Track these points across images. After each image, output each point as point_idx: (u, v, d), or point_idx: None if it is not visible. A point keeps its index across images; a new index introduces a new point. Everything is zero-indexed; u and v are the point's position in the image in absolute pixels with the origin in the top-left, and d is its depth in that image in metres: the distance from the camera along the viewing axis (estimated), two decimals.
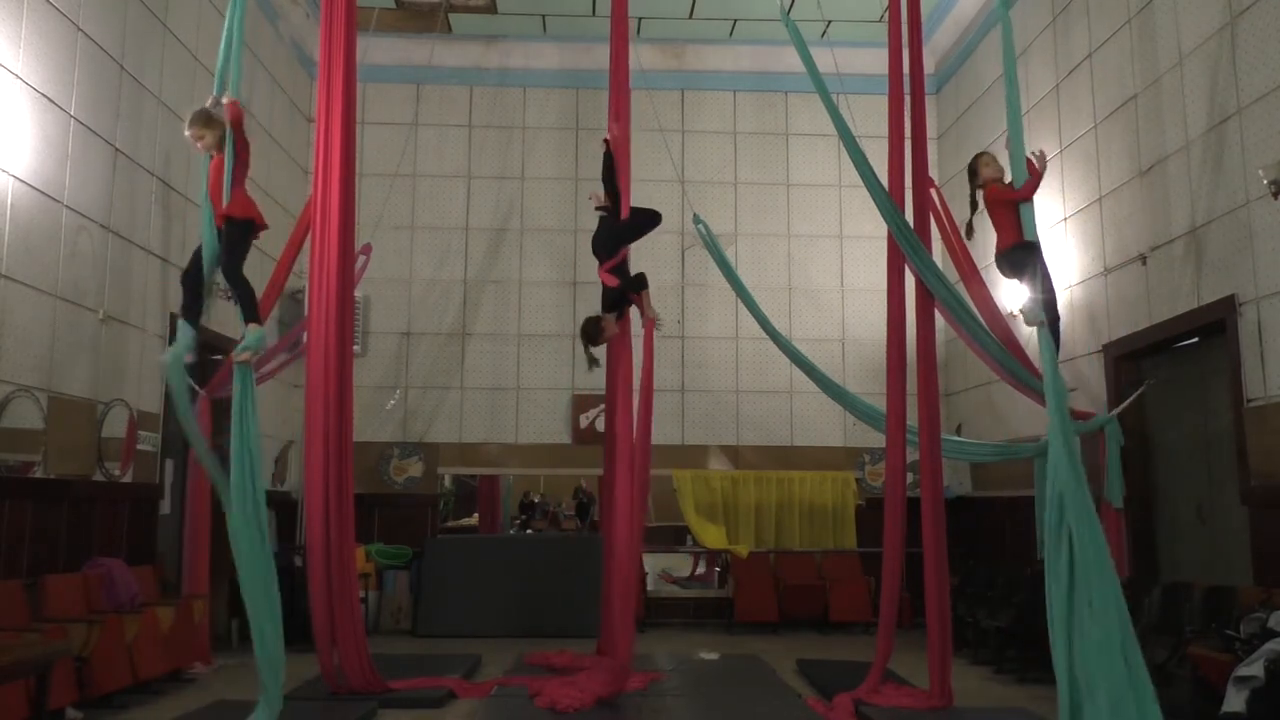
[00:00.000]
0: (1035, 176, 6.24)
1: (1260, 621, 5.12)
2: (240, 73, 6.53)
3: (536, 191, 11.21)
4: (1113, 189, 7.83)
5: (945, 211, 7.70)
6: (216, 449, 7.92)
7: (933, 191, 6.93)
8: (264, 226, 6.51)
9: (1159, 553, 7.40)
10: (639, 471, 6.89)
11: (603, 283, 7.36)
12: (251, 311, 6.23)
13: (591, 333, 7.36)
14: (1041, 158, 6.38)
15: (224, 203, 6.22)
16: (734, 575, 10.18)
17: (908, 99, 6.81)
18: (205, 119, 6.34)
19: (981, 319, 6.56)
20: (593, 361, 7.44)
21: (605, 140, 7.64)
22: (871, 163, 6.72)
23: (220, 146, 6.29)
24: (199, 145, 6.40)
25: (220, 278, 6.60)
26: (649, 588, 10.49)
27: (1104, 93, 7.98)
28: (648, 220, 7.51)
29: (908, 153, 6.79)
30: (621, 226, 7.36)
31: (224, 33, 6.50)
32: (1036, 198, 6.31)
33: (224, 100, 6.32)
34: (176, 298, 7.96)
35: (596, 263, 7.47)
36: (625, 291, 7.30)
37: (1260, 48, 6.12)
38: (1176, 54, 6.99)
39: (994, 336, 6.52)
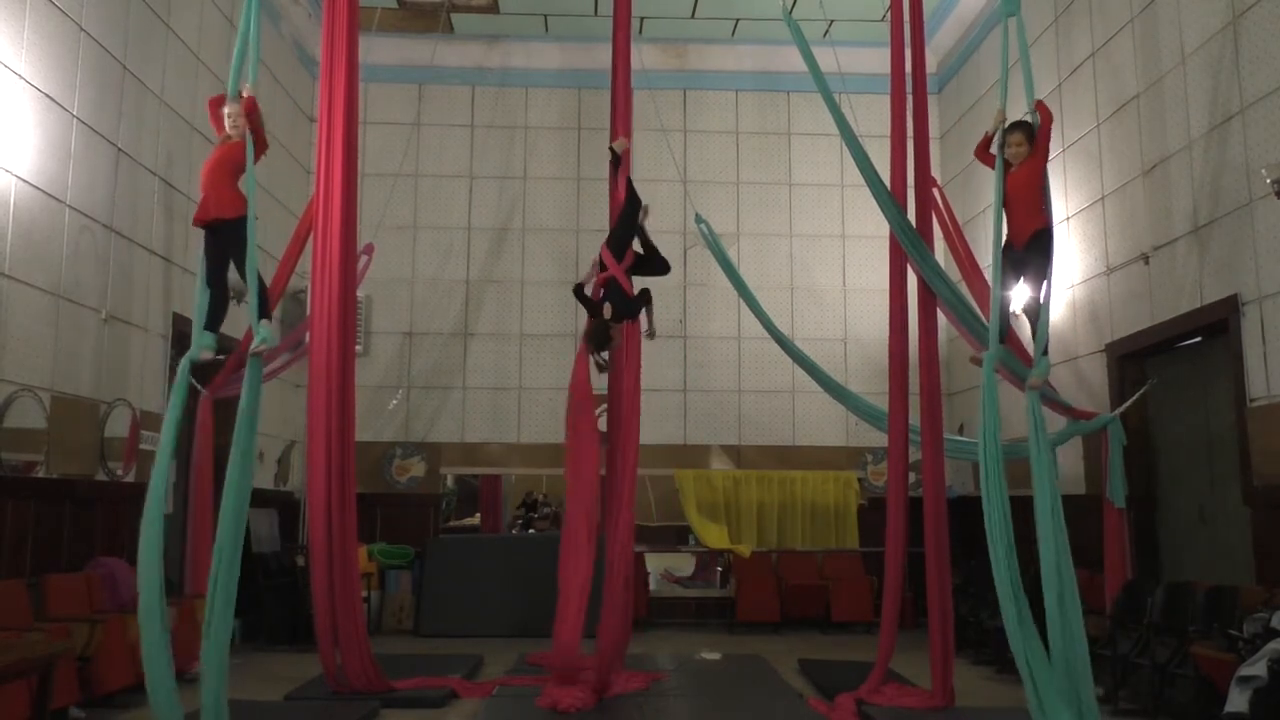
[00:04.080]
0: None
1: (1263, 621, 5.11)
2: (255, 69, 6.12)
3: (538, 191, 11.22)
4: (1115, 188, 7.82)
5: (948, 210, 7.71)
6: (218, 449, 7.93)
7: (935, 191, 6.92)
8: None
9: (1161, 552, 7.39)
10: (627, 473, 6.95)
11: (616, 284, 7.30)
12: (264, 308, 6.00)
13: (602, 339, 7.32)
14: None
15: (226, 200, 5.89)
16: (736, 575, 10.17)
17: (910, 98, 6.80)
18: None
19: (984, 318, 6.55)
20: (603, 366, 7.39)
21: (611, 148, 7.71)
22: (874, 162, 6.71)
23: (239, 135, 5.93)
24: (228, 121, 5.94)
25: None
26: (651, 588, 10.50)
27: (1106, 92, 7.98)
28: (631, 203, 7.54)
29: (910, 152, 6.79)
30: (621, 225, 7.41)
31: (240, 27, 6.11)
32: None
33: (244, 92, 5.97)
34: (178, 297, 8.00)
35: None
36: (636, 306, 7.32)
37: (1263, 47, 6.12)
38: (1179, 54, 6.98)
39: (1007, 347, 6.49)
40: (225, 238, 5.91)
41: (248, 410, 5.65)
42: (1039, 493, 5.42)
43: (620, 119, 8.02)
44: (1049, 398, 7.22)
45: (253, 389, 5.72)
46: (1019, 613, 5.27)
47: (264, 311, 5.97)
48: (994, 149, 6.27)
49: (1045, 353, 6.05)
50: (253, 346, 5.87)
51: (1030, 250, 6.07)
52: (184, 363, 5.72)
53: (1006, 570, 5.36)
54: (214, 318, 5.97)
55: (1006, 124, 6.24)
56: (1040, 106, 6.24)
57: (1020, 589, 5.33)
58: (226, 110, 5.96)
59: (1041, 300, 6.07)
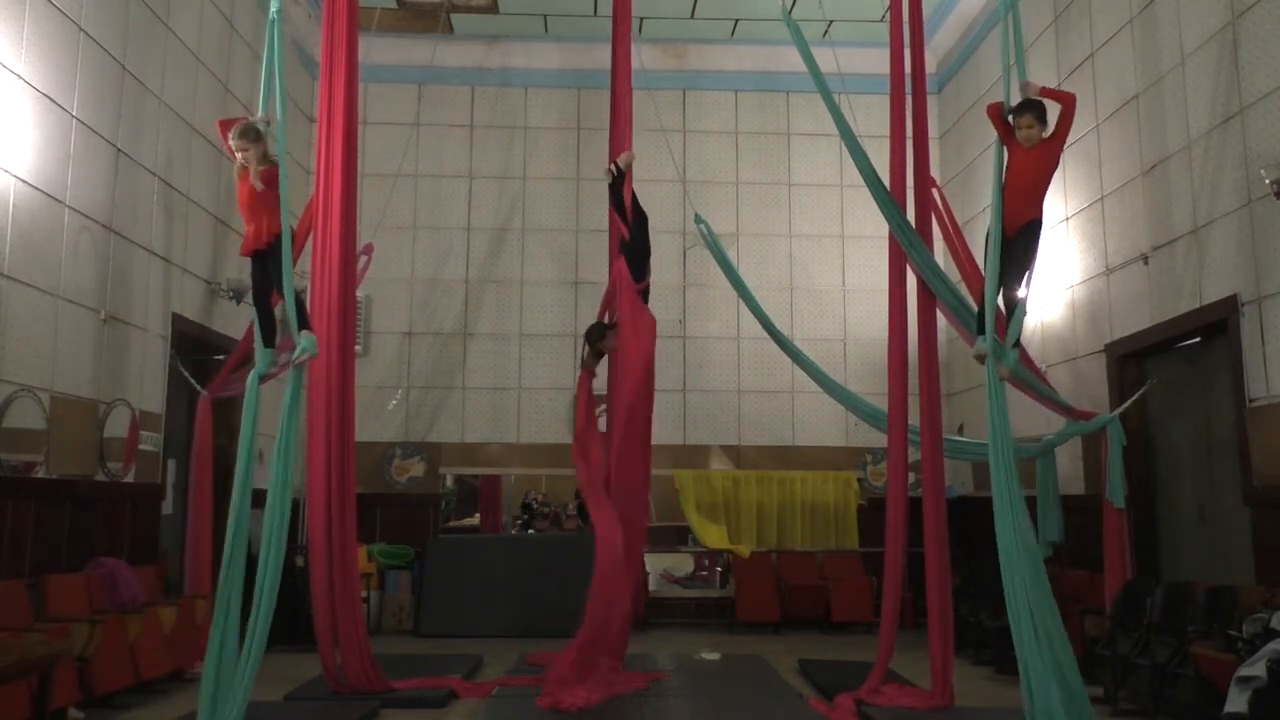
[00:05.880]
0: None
1: (1262, 622, 5.11)
2: (284, 91, 6.35)
3: (538, 191, 11.21)
4: (1115, 189, 7.82)
5: (947, 211, 7.71)
6: (218, 449, 7.95)
7: (934, 191, 6.90)
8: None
9: (1161, 552, 7.39)
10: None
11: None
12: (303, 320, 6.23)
13: (595, 337, 7.41)
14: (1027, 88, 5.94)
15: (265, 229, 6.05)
16: (736, 575, 10.17)
17: (909, 99, 6.80)
18: (257, 134, 6.09)
19: None
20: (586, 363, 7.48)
21: (610, 169, 7.69)
22: (873, 162, 6.71)
23: (259, 162, 6.09)
24: (240, 156, 6.07)
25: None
26: (651, 588, 10.50)
27: (1106, 92, 7.98)
28: (641, 224, 7.56)
29: (909, 152, 6.79)
30: (634, 244, 7.43)
31: (265, 55, 6.29)
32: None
33: (261, 124, 6.19)
34: (177, 297, 8.01)
35: (607, 268, 7.53)
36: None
37: (1262, 47, 6.12)
38: (1179, 54, 6.98)
39: (995, 336, 6.50)
40: (267, 259, 6.08)
41: (289, 415, 5.83)
42: (996, 477, 5.72)
43: (620, 120, 8.02)
44: (1049, 397, 7.24)
45: (295, 397, 5.93)
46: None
47: (303, 323, 6.14)
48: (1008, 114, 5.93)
49: (1016, 345, 5.90)
50: (294, 358, 6.06)
51: (1018, 239, 5.76)
52: (252, 378, 5.89)
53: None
54: (268, 335, 6.14)
55: (1022, 93, 5.89)
56: (1057, 93, 5.89)
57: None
58: (237, 148, 6.04)
59: (1021, 293, 5.84)
